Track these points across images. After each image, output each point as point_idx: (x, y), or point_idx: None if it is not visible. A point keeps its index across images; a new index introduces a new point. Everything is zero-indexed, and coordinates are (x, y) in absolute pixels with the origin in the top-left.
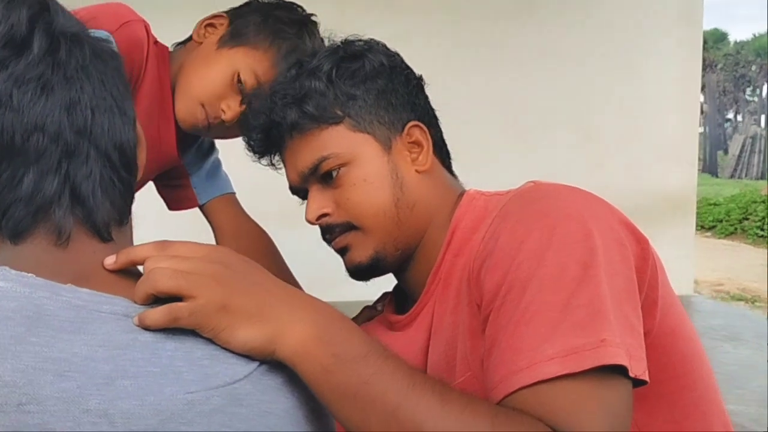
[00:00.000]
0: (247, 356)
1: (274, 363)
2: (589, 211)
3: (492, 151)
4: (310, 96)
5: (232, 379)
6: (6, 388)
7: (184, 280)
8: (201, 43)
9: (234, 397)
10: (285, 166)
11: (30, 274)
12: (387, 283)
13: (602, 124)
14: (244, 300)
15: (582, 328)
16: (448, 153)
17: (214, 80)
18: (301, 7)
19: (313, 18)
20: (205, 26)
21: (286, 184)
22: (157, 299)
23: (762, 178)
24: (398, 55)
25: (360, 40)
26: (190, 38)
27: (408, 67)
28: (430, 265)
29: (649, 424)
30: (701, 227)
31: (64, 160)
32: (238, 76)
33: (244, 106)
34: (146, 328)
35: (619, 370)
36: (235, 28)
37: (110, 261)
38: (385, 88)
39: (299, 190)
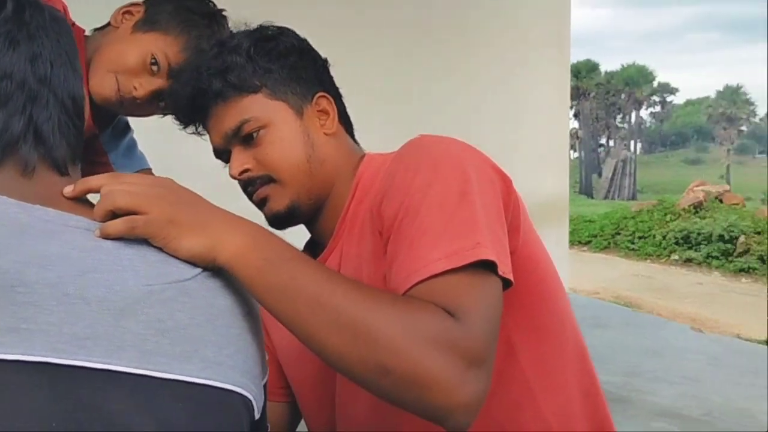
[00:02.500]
0: (191, 263)
1: (212, 271)
2: (465, 154)
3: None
4: (233, 68)
5: (182, 277)
6: (0, 275)
7: (138, 198)
8: (118, 27)
9: (184, 291)
10: (209, 131)
11: (3, 196)
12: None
13: (487, 136)
14: (188, 216)
15: (461, 236)
16: (350, 123)
17: (128, 59)
18: (211, 1)
19: (224, 12)
20: (123, 13)
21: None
22: (113, 217)
23: (633, 198)
24: (306, 40)
25: (273, 26)
26: (107, 24)
27: (314, 50)
28: (337, 214)
29: (516, 328)
30: (578, 242)
31: (28, 104)
32: (152, 58)
33: (154, 86)
34: (107, 237)
35: (490, 269)
36: (149, 15)
37: (69, 189)
38: (296, 65)
39: (222, 152)
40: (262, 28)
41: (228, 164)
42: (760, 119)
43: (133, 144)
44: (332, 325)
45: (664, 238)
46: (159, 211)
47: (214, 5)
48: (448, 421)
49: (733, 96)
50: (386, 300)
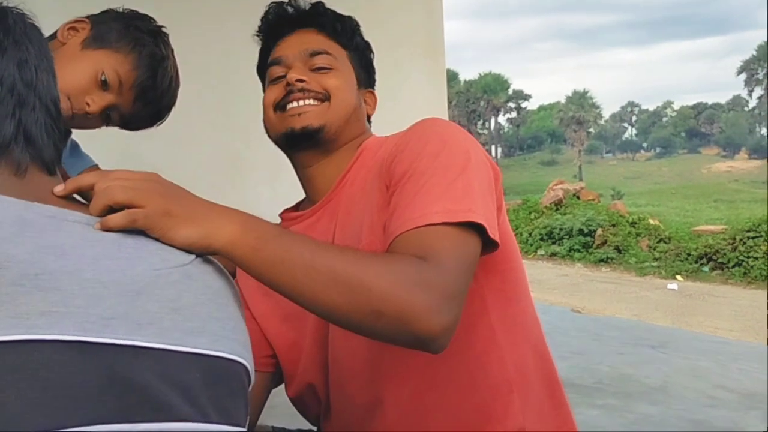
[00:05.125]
0: (186, 251)
1: (202, 258)
2: (467, 140)
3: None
4: (342, 21)
5: (182, 262)
6: (23, 264)
7: (135, 193)
8: (65, 43)
9: (186, 274)
10: (284, 44)
11: (3, 196)
12: None
13: None
14: (181, 207)
15: (458, 200)
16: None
17: (79, 76)
18: (153, 19)
19: (164, 29)
20: (68, 29)
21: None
22: (110, 211)
23: None
24: None
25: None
26: (53, 36)
27: None
28: (338, 170)
29: (490, 289)
30: None
31: (17, 108)
32: (102, 75)
33: (106, 101)
34: (108, 230)
35: (476, 232)
36: (98, 33)
37: (59, 188)
38: (370, 61)
39: (278, 63)
40: (348, 18)
41: (270, 87)
42: (605, 121)
43: (75, 145)
44: (329, 285)
45: (530, 235)
46: (155, 205)
47: (155, 22)
48: (430, 345)
49: (581, 100)
50: (370, 257)
